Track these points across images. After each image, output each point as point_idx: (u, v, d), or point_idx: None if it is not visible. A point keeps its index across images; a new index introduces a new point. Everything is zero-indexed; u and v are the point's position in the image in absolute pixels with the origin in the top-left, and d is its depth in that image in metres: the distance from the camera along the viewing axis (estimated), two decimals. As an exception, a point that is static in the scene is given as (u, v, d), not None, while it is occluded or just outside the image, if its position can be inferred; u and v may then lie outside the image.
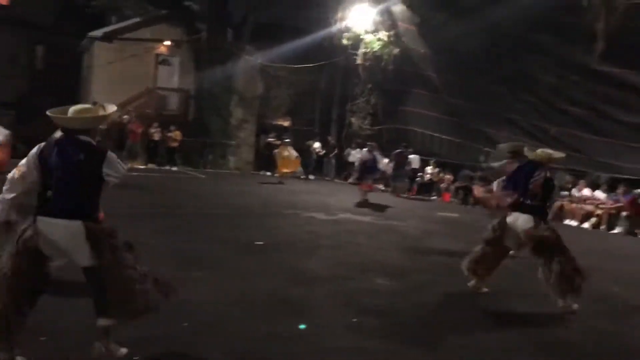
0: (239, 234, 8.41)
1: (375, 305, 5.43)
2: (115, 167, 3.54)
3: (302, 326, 4.22)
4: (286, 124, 24.80)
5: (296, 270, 6.57)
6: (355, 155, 17.89)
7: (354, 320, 4.92)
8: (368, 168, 13.62)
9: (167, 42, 22.29)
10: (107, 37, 22.21)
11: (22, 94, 25.04)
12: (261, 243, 7.85)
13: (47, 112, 3.56)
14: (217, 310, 4.85)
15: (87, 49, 25.55)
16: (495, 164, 11.14)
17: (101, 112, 3.70)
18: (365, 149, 14.54)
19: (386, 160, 14.49)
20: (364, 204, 13.07)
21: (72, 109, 3.58)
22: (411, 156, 18.35)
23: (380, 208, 12.84)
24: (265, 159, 20.42)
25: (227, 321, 4.60)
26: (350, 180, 18.28)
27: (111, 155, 3.56)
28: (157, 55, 22.71)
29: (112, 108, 3.82)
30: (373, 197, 13.74)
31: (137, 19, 22.37)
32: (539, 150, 6.12)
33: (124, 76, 21.21)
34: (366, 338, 4.51)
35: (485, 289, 6.18)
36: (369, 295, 5.79)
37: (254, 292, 5.49)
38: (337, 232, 9.48)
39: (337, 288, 5.95)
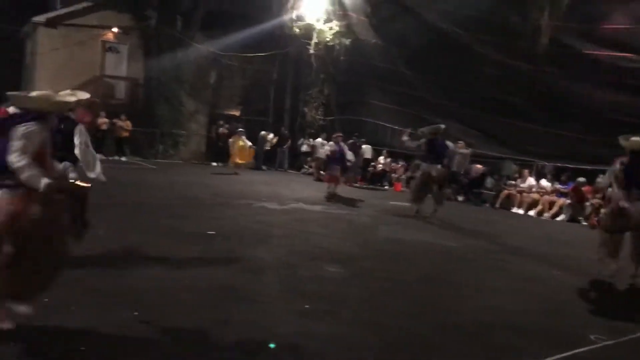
0: (188, 223, 8.35)
1: (325, 292, 5.52)
2: None
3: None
4: (237, 114, 24.62)
5: (246, 258, 6.59)
6: (324, 146, 17.87)
7: (307, 306, 4.99)
8: (335, 160, 13.48)
9: (115, 29, 21.73)
10: (51, 23, 21.45)
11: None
12: (212, 233, 7.82)
13: None
14: (166, 298, 4.83)
15: (29, 35, 24.59)
16: (412, 143, 11.87)
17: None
18: (331, 141, 14.32)
19: (350, 153, 14.39)
20: (332, 196, 12.93)
21: None
22: (363, 146, 18.58)
23: (332, 198, 12.95)
24: (217, 150, 20.26)
25: (176, 309, 4.58)
26: (314, 173, 18.32)
27: None
28: (104, 42, 22.11)
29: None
30: (323, 188, 13.83)
31: (83, 5, 21.67)
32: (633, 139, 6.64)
33: (70, 64, 20.57)
34: (316, 323, 4.59)
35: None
36: (318, 282, 5.88)
37: (204, 280, 5.48)
38: (288, 221, 9.54)
39: (287, 275, 6.01)
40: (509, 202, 15.44)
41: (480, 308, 5.53)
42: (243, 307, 4.82)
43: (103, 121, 18.19)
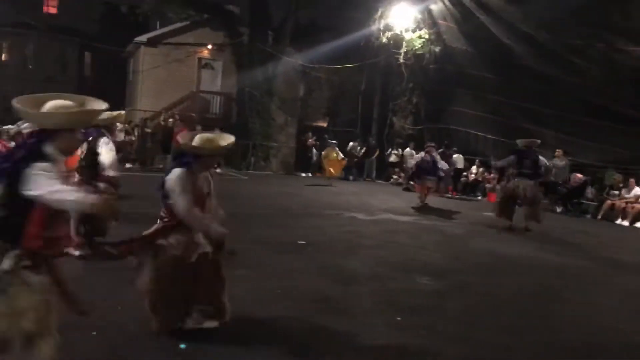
0: (281, 233, 8.45)
1: (418, 305, 5.37)
2: None
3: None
4: (325, 125, 24.84)
5: (337, 269, 6.56)
6: (414, 156, 17.66)
7: (398, 319, 4.87)
8: (427, 170, 13.17)
9: (210, 46, 22.66)
10: (152, 42, 22.74)
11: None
12: (303, 242, 7.86)
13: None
14: (260, 308, 4.87)
15: (132, 54, 26.20)
16: (501, 163, 11.21)
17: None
18: (423, 152, 14.04)
19: (444, 163, 14.06)
20: (423, 207, 12.67)
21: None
22: (455, 156, 18.10)
23: (422, 208, 12.69)
24: (306, 161, 20.51)
25: (270, 318, 4.61)
26: (403, 182, 18.12)
27: None
28: (200, 59, 23.12)
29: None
30: (413, 198, 13.57)
31: (180, 24, 22.81)
32: None
33: (168, 80, 21.68)
34: (409, 337, 4.46)
35: None
36: (412, 294, 5.73)
37: (296, 290, 5.49)
38: (378, 232, 9.42)
39: (379, 287, 5.91)
40: (612, 213, 14.42)
41: (590, 327, 5.16)
42: (336, 318, 4.77)
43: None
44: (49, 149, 2.71)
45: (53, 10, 36.41)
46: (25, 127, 10.68)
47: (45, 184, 2.61)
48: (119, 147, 16.82)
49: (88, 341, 3.79)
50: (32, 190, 2.61)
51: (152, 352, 3.78)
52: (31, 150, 2.70)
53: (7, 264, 2.67)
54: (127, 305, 4.35)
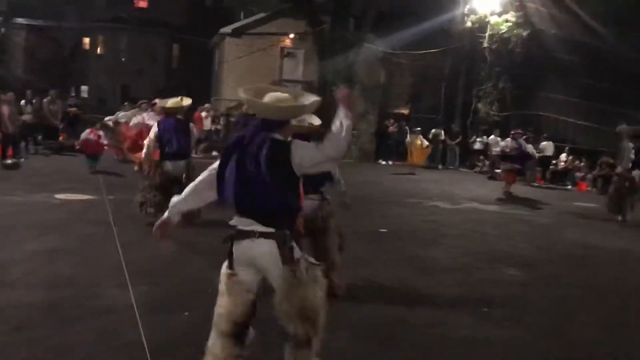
0: (361, 221, 8.45)
1: (505, 296, 5.23)
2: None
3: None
4: (406, 112, 24.50)
5: (420, 258, 6.50)
6: (499, 143, 17.16)
7: (484, 309, 4.78)
8: (513, 157, 12.65)
9: (292, 35, 22.90)
10: (236, 33, 23.30)
11: (160, 90, 27.01)
12: (384, 231, 7.85)
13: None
14: (343, 295, 4.91)
15: (217, 45, 26.97)
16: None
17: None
18: (509, 138, 13.50)
19: (530, 147, 13.48)
20: (509, 196, 12.21)
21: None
22: (544, 143, 17.33)
23: (508, 198, 12.29)
24: (386, 149, 20.37)
25: (351, 307, 4.63)
26: (488, 171, 17.66)
27: None
28: (282, 48, 23.44)
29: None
30: (498, 187, 13.17)
31: (263, 14, 23.19)
32: None
33: (252, 70, 22.15)
34: (495, 329, 4.36)
35: None
36: (498, 285, 5.59)
37: (378, 279, 5.50)
38: (462, 221, 9.23)
39: (464, 277, 5.81)
40: None
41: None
42: (419, 308, 4.74)
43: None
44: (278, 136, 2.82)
45: (144, 4, 38.13)
46: (122, 116, 11.45)
47: (317, 152, 2.74)
48: (206, 136, 17.50)
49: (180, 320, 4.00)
50: (312, 161, 2.73)
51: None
52: (270, 138, 2.77)
53: (297, 252, 2.75)
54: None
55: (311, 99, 2.98)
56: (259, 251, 2.72)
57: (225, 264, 2.83)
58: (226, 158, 2.79)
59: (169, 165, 6.79)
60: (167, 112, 6.96)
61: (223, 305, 2.79)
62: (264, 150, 2.70)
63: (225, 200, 2.78)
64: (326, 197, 4.76)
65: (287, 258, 2.70)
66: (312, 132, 4.48)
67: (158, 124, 6.96)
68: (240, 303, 2.76)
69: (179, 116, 7.13)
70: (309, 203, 4.31)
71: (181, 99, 7.02)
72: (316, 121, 4.74)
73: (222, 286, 2.82)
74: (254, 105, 2.92)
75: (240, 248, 2.75)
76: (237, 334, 2.79)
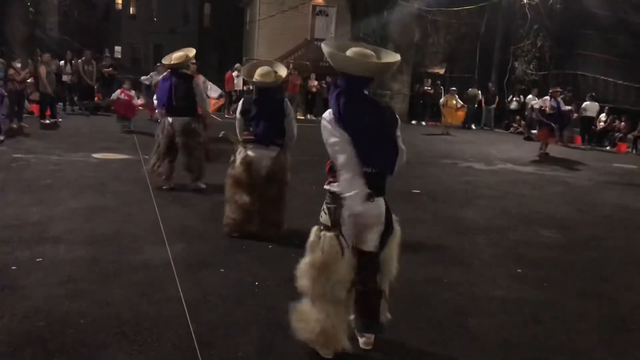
0: (395, 182, 8.35)
1: (541, 258, 5.17)
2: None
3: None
4: (441, 71, 23.99)
5: (455, 219, 6.46)
6: (536, 103, 16.73)
7: (519, 270, 4.74)
8: (551, 117, 12.35)
9: (324, -7, 22.47)
10: (268, -9, 22.90)
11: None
12: (418, 192, 7.80)
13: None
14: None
15: (249, 4, 26.67)
16: None
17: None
18: (546, 97, 13.11)
19: (568, 107, 13.10)
20: (546, 157, 12.08)
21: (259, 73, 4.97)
22: (586, 103, 16.75)
23: (545, 159, 12.05)
24: (419, 109, 20.07)
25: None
26: (524, 131, 17.29)
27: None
28: (314, 6, 23.03)
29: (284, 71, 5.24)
30: (535, 148, 12.88)
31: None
32: None
33: (284, 29, 21.88)
34: (530, 290, 4.33)
35: None
36: (534, 246, 5.53)
37: (412, 239, 5.46)
38: (497, 182, 9.11)
39: (499, 238, 5.76)
40: None
41: None
42: (454, 267, 4.73)
43: (313, 84, 18.98)
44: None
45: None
46: (156, 79, 11.56)
47: None
48: (238, 96, 17.48)
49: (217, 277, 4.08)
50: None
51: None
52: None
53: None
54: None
55: (396, 56, 2.95)
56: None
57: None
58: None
59: (169, 120, 6.72)
60: (171, 68, 6.87)
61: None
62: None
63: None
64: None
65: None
66: (279, 83, 5.13)
67: (161, 81, 7.04)
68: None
69: (184, 71, 7.00)
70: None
71: (185, 53, 6.84)
72: (283, 72, 5.20)
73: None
74: (334, 57, 2.90)
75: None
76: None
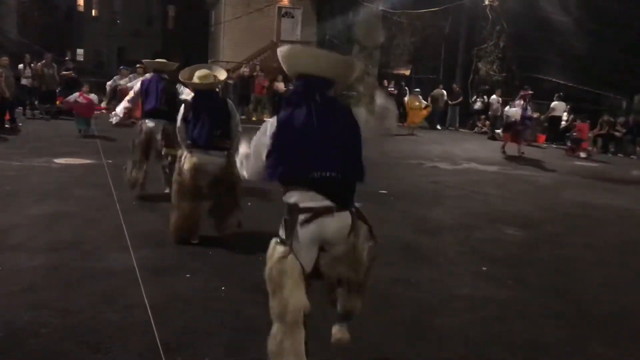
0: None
1: (505, 256, 5.26)
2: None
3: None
4: (407, 72, 24.20)
5: (421, 218, 6.52)
6: (499, 104, 17.06)
7: (484, 269, 4.81)
8: (516, 122, 12.64)
9: (290, -6, 22.47)
10: (233, -8, 22.78)
11: (156, 53, 26.67)
12: (384, 192, 7.84)
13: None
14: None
15: (213, 6, 26.48)
16: None
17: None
18: (516, 108, 13.30)
19: (535, 115, 13.40)
20: (510, 157, 12.27)
21: (197, 75, 5.02)
22: (555, 102, 17.05)
23: (508, 157, 12.27)
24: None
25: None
26: (488, 131, 17.56)
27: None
28: (280, 8, 23.00)
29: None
30: (498, 147, 13.11)
31: (260, -28, 22.67)
32: None
33: (249, 30, 21.78)
34: (495, 287, 4.39)
35: None
36: (498, 245, 5.62)
37: (381, 238, 5.49)
38: (462, 182, 9.23)
39: (464, 237, 5.83)
40: None
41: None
42: (420, 267, 4.78)
43: (280, 85, 18.93)
44: None
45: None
46: (123, 82, 11.34)
47: None
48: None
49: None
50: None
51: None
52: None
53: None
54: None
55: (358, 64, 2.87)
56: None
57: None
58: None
59: (148, 123, 6.60)
60: (155, 70, 6.83)
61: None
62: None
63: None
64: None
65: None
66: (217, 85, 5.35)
67: (142, 82, 6.89)
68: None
69: (165, 76, 6.95)
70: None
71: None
72: (222, 75, 5.45)
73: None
74: (303, 54, 2.80)
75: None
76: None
